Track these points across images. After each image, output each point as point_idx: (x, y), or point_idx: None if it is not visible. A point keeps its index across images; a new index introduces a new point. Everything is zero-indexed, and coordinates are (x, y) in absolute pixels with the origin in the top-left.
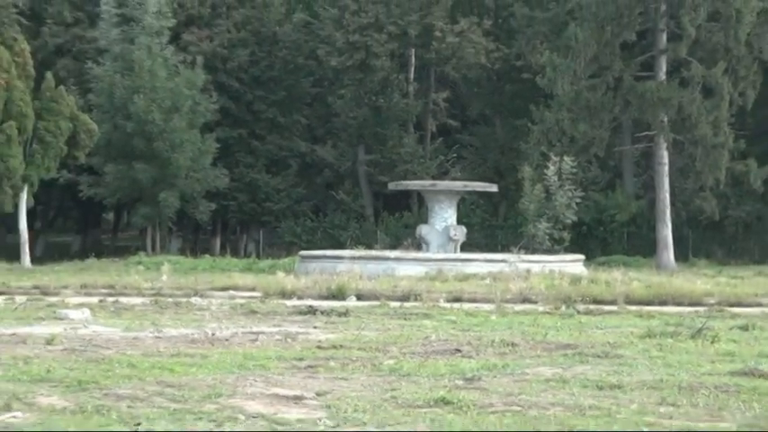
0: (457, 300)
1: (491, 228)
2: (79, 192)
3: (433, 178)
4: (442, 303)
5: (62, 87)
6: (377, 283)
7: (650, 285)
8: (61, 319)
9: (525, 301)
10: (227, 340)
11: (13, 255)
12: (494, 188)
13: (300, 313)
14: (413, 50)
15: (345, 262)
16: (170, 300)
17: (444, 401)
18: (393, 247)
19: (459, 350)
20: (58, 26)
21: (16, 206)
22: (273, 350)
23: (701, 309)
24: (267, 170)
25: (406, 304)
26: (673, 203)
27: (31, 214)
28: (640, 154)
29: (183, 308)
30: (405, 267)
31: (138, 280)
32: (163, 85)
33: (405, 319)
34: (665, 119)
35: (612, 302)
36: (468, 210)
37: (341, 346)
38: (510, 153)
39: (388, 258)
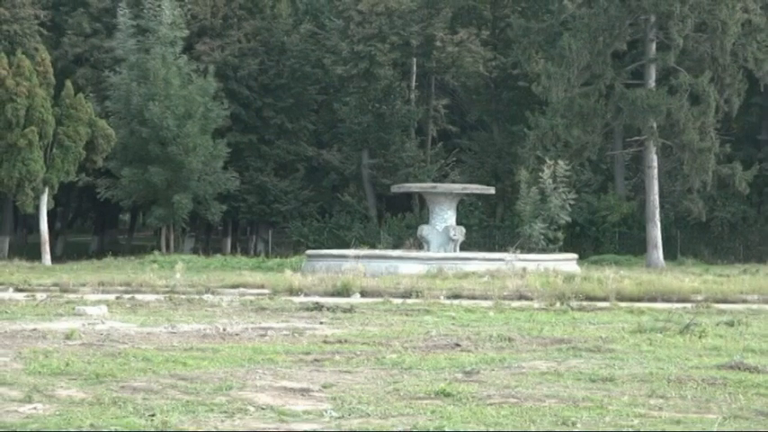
0: (456, 297)
1: (489, 228)
2: (97, 194)
3: (434, 181)
4: (443, 300)
5: (81, 95)
6: (380, 280)
7: (640, 283)
8: (80, 315)
9: (521, 297)
10: (237, 335)
11: (34, 254)
12: (491, 190)
13: (307, 309)
14: (414, 60)
15: (350, 261)
16: (183, 297)
17: (444, 393)
18: (395, 246)
19: (458, 345)
20: (78, 37)
21: (37, 208)
22: (281, 345)
23: (688, 305)
24: (276, 173)
25: (408, 301)
26: (662, 205)
27: (51, 215)
28: (631, 158)
29: (196, 304)
30: (407, 266)
31: (152, 278)
32: (177, 93)
33: (407, 315)
34: (655, 124)
35: (604, 299)
36: (466, 211)
37: (346, 340)
38: (507, 157)
39: (390, 257)
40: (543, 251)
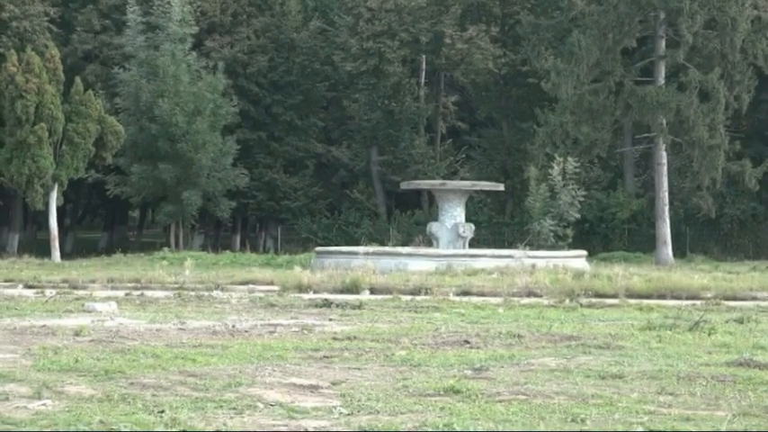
0: (466, 293)
1: (498, 225)
2: (106, 191)
3: (443, 178)
4: (452, 297)
5: (90, 91)
6: (389, 277)
7: (650, 280)
8: (89, 311)
9: (531, 294)
10: (246, 332)
11: (43, 250)
12: (501, 187)
13: (316, 306)
14: (424, 56)
15: (359, 257)
16: (192, 293)
17: (454, 390)
18: (405, 243)
19: (467, 341)
20: (87, 33)
21: (47, 204)
22: (291, 341)
23: (698, 302)
24: (285, 170)
25: (418, 298)
26: (671, 202)
27: (60, 212)
28: (640, 155)
29: (205, 301)
30: (416, 263)
31: (162, 274)
32: (186, 90)
33: (416, 311)
34: (664, 121)
35: (614, 296)
36: (476, 208)
37: (355, 337)
38: (516, 154)
39: (400, 254)
40: (552, 248)
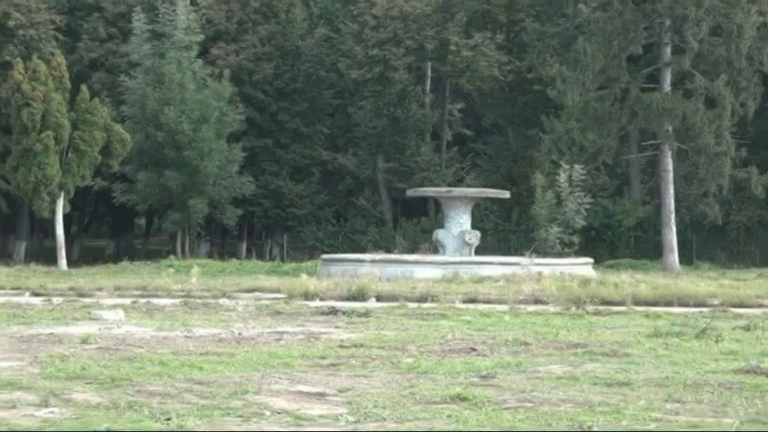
0: (472, 301)
1: (504, 232)
2: (113, 198)
3: (449, 185)
4: (458, 304)
5: (96, 99)
6: (396, 284)
7: (656, 287)
8: (96, 319)
9: (537, 302)
10: (253, 339)
11: (50, 258)
12: (507, 195)
13: (323, 314)
14: (429, 64)
15: (366, 265)
16: (199, 301)
17: (460, 398)
18: (411, 250)
19: (474, 349)
20: (93, 41)
21: (53, 212)
22: (297, 349)
23: (705, 309)
24: (291, 177)
25: (424, 305)
26: (677, 209)
27: (67, 220)
28: (646, 162)
29: (212, 309)
30: (422, 270)
31: (168, 282)
32: (192, 97)
33: (422, 319)
34: (670, 128)
35: (620, 303)
36: (482, 215)
37: (361, 345)
38: (522, 161)
39: (406, 261)
40: (559, 255)
